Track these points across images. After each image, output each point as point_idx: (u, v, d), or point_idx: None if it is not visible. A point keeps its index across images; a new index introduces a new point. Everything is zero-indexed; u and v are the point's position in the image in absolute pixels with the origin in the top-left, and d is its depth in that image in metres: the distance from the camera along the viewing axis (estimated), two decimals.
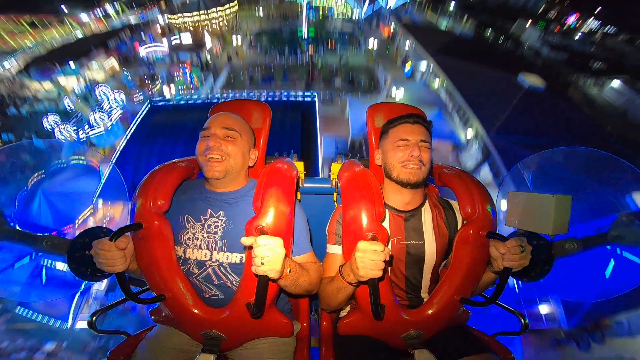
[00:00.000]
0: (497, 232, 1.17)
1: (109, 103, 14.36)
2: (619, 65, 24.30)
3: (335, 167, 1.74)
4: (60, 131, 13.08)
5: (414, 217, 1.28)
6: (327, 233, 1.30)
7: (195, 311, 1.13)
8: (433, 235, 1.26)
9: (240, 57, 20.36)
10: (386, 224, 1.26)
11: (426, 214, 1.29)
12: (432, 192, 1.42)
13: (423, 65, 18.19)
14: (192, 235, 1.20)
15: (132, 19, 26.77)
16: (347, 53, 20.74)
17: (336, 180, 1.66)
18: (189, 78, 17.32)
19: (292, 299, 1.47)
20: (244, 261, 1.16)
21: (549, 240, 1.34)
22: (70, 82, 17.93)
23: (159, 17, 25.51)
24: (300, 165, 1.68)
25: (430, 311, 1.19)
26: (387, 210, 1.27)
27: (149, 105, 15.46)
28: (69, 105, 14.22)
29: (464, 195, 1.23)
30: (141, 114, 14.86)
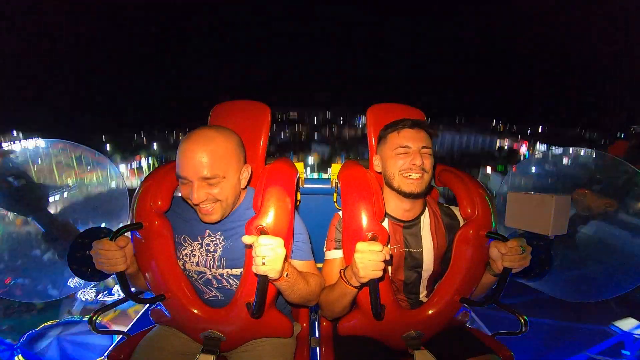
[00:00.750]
0: (497, 232, 1.17)
1: None
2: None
3: (335, 167, 1.75)
4: (82, 293, 13.42)
5: (413, 226, 1.28)
6: (326, 242, 1.29)
7: (195, 311, 1.13)
8: (431, 243, 1.26)
9: None
10: (385, 222, 1.25)
11: (425, 222, 1.29)
12: (433, 199, 1.42)
13: None
14: (190, 252, 1.18)
15: None
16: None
17: (336, 181, 1.66)
18: None
19: (289, 304, 1.47)
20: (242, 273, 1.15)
21: (548, 241, 1.35)
22: None
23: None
24: (300, 166, 1.68)
25: (430, 311, 1.19)
26: (386, 219, 1.26)
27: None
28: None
29: (463, 196, 1.23)
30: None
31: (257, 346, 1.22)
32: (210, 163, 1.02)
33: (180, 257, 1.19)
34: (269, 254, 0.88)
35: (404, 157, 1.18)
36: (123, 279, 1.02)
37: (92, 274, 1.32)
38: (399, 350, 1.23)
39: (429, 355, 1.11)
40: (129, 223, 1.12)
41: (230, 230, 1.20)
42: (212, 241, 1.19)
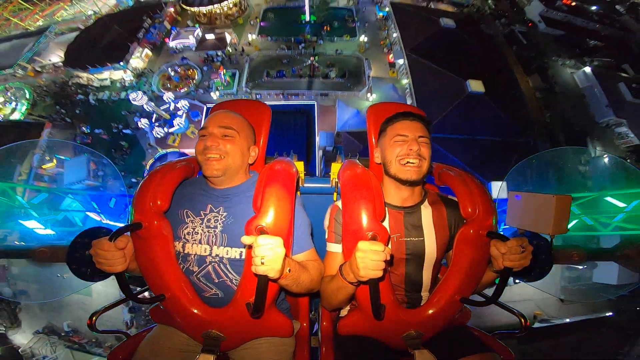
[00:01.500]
0: (497, 232, 1.16)
1: (175, 105, 17.58)
2: (620, 44, 23.69)
3: (335, 167, 1.74)
4: (155, 132, 16.80)
5: (413, 214, 1.28)
6: (326, 231, 1.29)
7: (195, 311, 1.13)
8: (433, 232, 1.26)
9: (255, 48, 22.25)
10: (385, 221, 1.25)
11: (425, 211, 1.29)
12: (432, 190, 1.42)
13: (400, 62, 20.21)
14: (192, 230, 1.20)
15: None
16: (342, 43, 22.66)
17: (336, 180, 1.66)
18: (223, 78, 20.13)
19: (291, 298, 1.47)
20: (243, 257, 1.16)
21: (549, 241, 1.34)
22: (119, 74, 20.70)
23: None
24: (300, 165, 1.68)
25: (430, 311, 1.18)
26: (386, 208, 1.26)
27: (206, 109, 18.18)
28: (148, 108, 17.05)
29: (464, 195, 1.23)
30: (204, 117, 17.64)
31: (257, 345, 1.23)
32: (230, 117, 1.26)
33: (182, 237, 1.19)
34: (268, 254, 0.88)
35: (401, 145, 1.22)
36: (122, 279, 1.02)
37: (92, 273, 1.31)
38: (399, 350, 1.23)
39: (429, 354, 1.11)
40: (128, 223, 1.12)
41: (232, 205, 1.22)
42: (213, 217, 1.21)
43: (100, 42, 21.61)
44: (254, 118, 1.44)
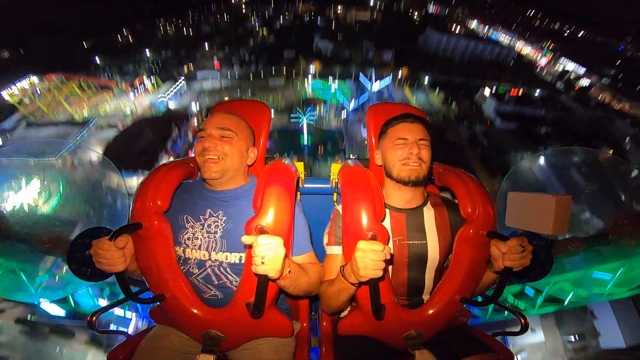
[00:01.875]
0: (497, 232, 1.16)
1: None
2: (565, 125, 26.51)
3: (335, 167, 1.74)
4: None
5: (415, 216, 1.28)
6: (327, 235, 1.30)
7: (195, 311, 1.13)
8: (436, 234, 1.26)
9: None
10: (387, 223, 1.25)
11: (428, 213, 1.29)
12: (434, 192, 1.42)
13: None
14: (192, 235, 1.20)
15: (171, 104, 31.42)
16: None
17: (336, 180, 1.66)
18: None
19: (291, 299, 1.47)
20: (243, 261, 1.16)
21: (549, 241, 1.34)
22: None
23: (192, 104, 31.23)
24: (300, 166, 1.68)
25: (430, 311, 1.18)
26: (387, 210, 1.27)
27: None
28: None
29: (464, 195, 1.23)
30: None
31: (257, 346, 1.23)
32: (229, 119, 1.27)
33: (182, 242, 1.19)
34: (268, 254, 0.88)
35: (402, 148, 1.23)
36: (122, 279, 1.02)
37: (92, 273, 1.32)
38: (400, 350, 1.22)
39: (429, 355, 1.11)
40: (129, 223, 1.12)
41: (231, 209, 1.22)
42: (213, 222, 1.21)
43: (134, 147, 23.32)
44: (253, 119, 1.44)
